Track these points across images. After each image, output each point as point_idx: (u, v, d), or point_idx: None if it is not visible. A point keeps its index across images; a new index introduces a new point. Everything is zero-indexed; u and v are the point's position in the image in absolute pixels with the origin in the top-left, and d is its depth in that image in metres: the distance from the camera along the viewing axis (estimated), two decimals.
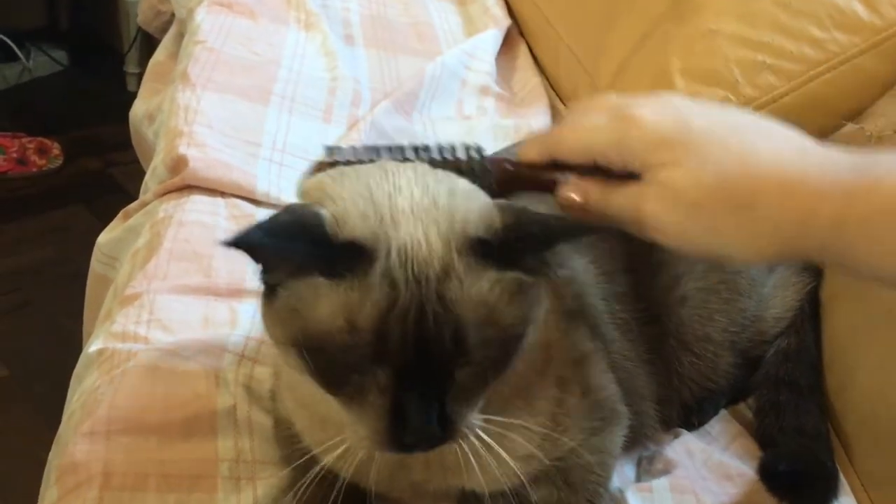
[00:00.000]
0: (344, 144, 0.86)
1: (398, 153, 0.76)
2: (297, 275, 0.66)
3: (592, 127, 0.71)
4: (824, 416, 1.00)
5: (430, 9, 1.88)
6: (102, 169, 2.71)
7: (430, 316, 0.64)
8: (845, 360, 1.02)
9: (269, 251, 0.67)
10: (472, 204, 0.69)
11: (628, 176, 0.69)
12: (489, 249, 0.66)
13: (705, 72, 1.29)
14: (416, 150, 0.76)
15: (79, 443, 0.86)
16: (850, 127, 1.18)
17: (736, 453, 0.99)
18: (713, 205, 0.66)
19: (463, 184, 0.72)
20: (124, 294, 1.07)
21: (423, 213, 0.66)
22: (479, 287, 0.65)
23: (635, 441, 0.93)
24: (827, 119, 1.21)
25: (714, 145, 0.67)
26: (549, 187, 0.74)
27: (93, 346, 1.01)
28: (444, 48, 1.72)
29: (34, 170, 2.66)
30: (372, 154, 0.77)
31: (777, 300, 1.05)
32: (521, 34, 1.84)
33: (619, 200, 0.70)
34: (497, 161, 0.77)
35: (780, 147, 0.67)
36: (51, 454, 0.93)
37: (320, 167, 0.77)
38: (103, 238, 1.32)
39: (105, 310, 1.13)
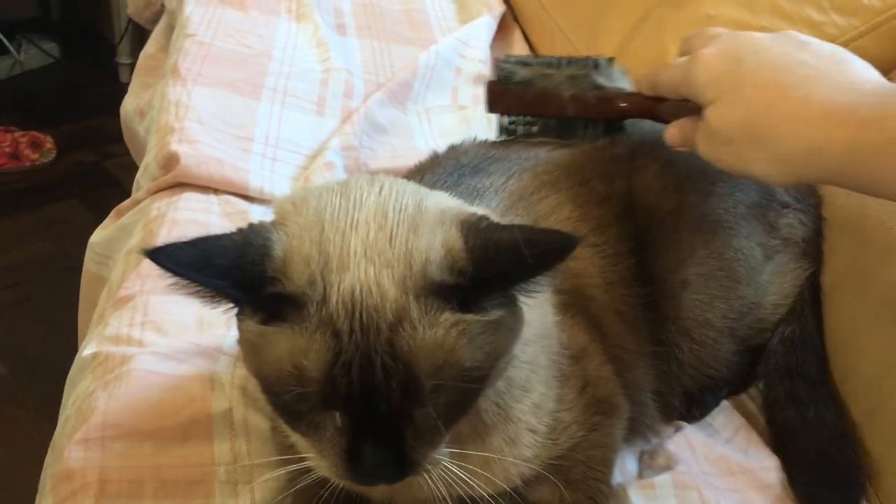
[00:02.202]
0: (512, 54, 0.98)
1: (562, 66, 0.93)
2: (244, 312, 0.65)
3: (675, 67, 0.84)
4: (839, 407, 0.99)
5: None
6: (97, 161, 2.70)
7: (378, 366, 0.62)
8: (848, 349, 1.01)
9: (190, 281, 0.63)
10: (435, 238, 0.65)
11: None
12: (451, 292, 0.63)
13: None
14: (551, 63, 0.94)
15: (73, 450, 0.85)
16: None
17: (738, 446, 0.98)
18: (739, 140, 0.78)
19: (433, 206, 0.68)
20: (118, 296, 1.06)
21: (377, 255, 0.63)
22: (436, 332, 0.62)
23: (636, 433, 0.93)
24: None
25: (750, 85, 0.77)
26: (656, 115, 0.89)
27: (87, 350, 1.00)
28: (437, 36, 1.70)
29: (27, 164, 2.64)
30: (520, 66, 0.93)
31: (775, 286, 1.04)
32: (516, 20, 1.82)
33: (693, 134, 0.83)
34: (603, 92, 0.91)
35: (815, 83, 0.75)
36: (46, 461, 0.92)
37: (491, 87, 0.95)
38: (96, 237, 1.31)
39: (99, 312, 1.12)
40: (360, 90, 1.49)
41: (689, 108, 0.84)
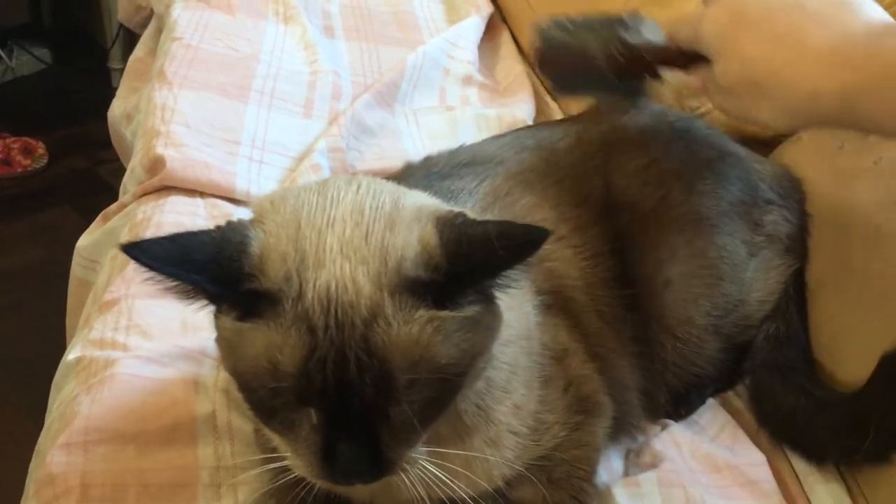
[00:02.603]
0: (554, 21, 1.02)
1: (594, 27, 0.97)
2: (221, 309, 0.65)
3: (689, 22, 0.88)
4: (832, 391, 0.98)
5: None
6: (89, 167, 2.69)
7: (353, 362, 0.62)
8: (834, 345, 1.01)
9: (166, 276, 0.63)
10: (411, 235, 0.65)
11: None
12: (425, 288, 0.63)
13: None
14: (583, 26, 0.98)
15: (56, 454, 0.85)
16: None
17: (724, 443, 0.98)
18: (742, 91, 0.82)
19: (410, 204, 0.68)
20: (103, 300, 1.06)
21: (352, 252, 0.64)
22: (411, 329, 0.63)
23: (621, 431, 0.93)
24: None
25: (747, 38, 0.81)
26: (684, 67, 0.92)
27: (71, 354, 1.00)
28: (425, 37, 1.69)
29: (19, 170, 2.64)
30: (558, 30, 0.99)
31: (760, 283, 1.04)
32: (504, 20, 1.82)
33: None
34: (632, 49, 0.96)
35: (810, 29, 0.78)
36: (31, 466, 0.92)
37: (536, 53, 1.01)
38: (83, 241, 1.31)
39: (84, 316, 1.11)
40: (347, 92, 1.49)
41: (707, 59, 0.87)
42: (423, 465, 0.68)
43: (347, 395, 0.62)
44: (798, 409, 0.96)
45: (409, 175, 1.02)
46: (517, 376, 0.77)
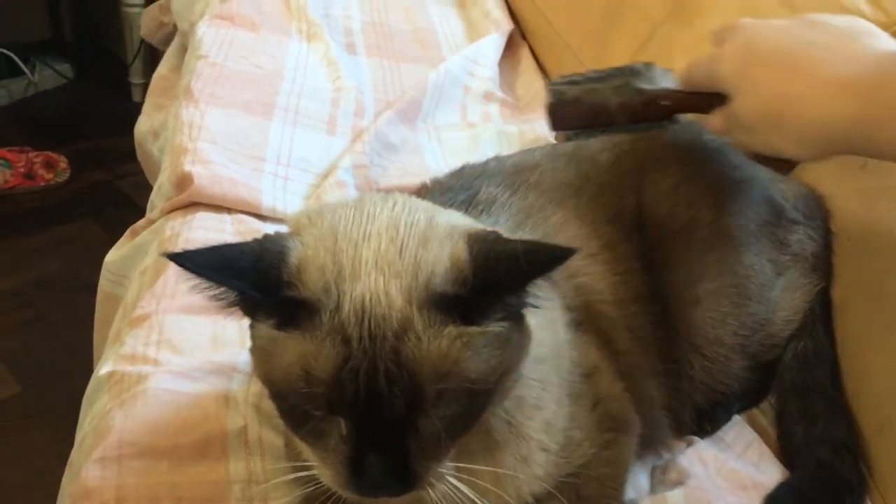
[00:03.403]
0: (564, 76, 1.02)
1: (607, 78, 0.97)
2: (258, 318, 0.67)
3: (699, 62, 0.90)
4: (852, 424, 0.99)
5: (431, 14, 1.87)
6: (110, 181, 2.72)
7: (382, 373, 0.63)
8: (860, 363, 1.01)
9: (211, 281, 0.65)
10: (443, 251, 0.66)
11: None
12: (453, 303, 0.65)
13: None
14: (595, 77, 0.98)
15: (91, 469, 0.86)
16: None
17: (750, 460, 0.98)
18: (760, 126, 0.84)
19: (443, 222, 0.70)
20: (133, 315, 1.07)
21: (386, 266, 0.65)
22: (440, 343, 0.64)
23: (648, 448, 0.93)
24: None
25: (761, 75, 0.83)
26: (699, 110, 0.93)
27: (103, 369, 1.01)
28: (446, 54, 1.71)
29: (42, 184, 2.67)
30: (568, 86, 0.98)
31: (786, 302, 1.04)
32: (524, 37, 1.83)
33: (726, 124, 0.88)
34: (647, 95, 0.96)
35: (821, 62, 0.80)
36: (63, 480, 0.93)
37: (550, 110, 0.98)
38: (111, 256, 1.32)
39: (114, 331, 1.13)
40: (370, 109, 1.51)
41: (725, 98, 0.88)
42: (450, 480, 0.69)
43: (377, 405, 0.64)
44: (795, 438, 0.97)
45: (442, 186, 1.03)
46: (548, 393, 0.78)
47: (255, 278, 0.66)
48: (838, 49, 0.81)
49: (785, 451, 0.99)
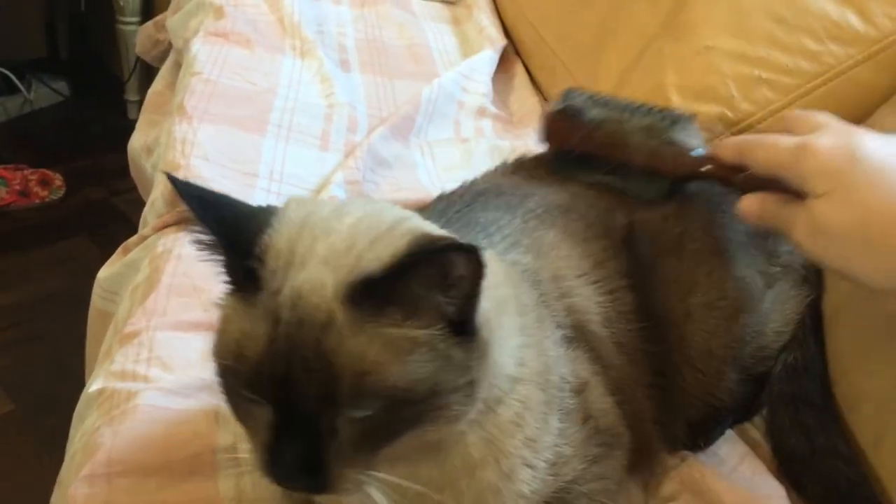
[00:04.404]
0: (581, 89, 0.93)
1: (638, 113, 0.89)
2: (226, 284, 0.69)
3: (783, 147, 0.82)
4: (846, 434, 0.98)
5: (425, 30, 1.88)
6: (105, 198, 2.72)
7: (301, 361, 0.64)
8: (852, 376, 1.01)
9: (192, 212, 0.68)
10: (386, 251, 0.66)
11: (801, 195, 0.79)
12: (377, 301, 0.64)
13: (702, 88, 1.28)
14: (626, 108, 0.89)
15: (79, 486, 0.85)
16: None
17: (744, 475, 0.98)
18: (847, 241, 0.76)
19: (407, 228, 0.69)
20: (124, 332, 1.07)
21: (332, 260, 0.66)
22: (360, 341, 0.64)
23: (640, 463, 0.93)
24: None
25: (866, 185, 0.75)
26: (730, 182, 0.87)
27: (93, 386, 1.00)
28: (440, 70, 1.72)
29: (37, 201, 2.67)
30: (592, 103, 0.90)
31: (777, 314, 1.04)
32: (518, 53, 1.84)
33: (783, 216, 0.82)
34: (678, 149, 0.88)
35: None
36: (53, 498, 0.92)
37: (554, 118, 0.91)
38: (103, 273, 1.32)
39: (105, 347, 1.12)
40: (363, 125, 1.51)
41: (777, 187, 0.82)
42: (370, 491, 0.68)
43: (293, 393, 0.64)
44: (796, 450, 0.97)
45: (441, 205, 1.02)
46: (531, 411, 0.77)
47: (231, 233, 0.68)
48: None
49: (785, 464, 0.98)
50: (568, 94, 0.93)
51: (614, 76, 1.44)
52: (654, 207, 1.00)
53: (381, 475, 0.68)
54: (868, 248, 0.75)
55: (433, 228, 0.73)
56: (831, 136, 0.80)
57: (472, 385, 0.68)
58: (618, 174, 0.94)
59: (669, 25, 1.37)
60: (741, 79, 1.26)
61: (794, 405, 1.00)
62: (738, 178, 0.87)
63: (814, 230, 0.79)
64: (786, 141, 0.82)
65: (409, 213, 0.74)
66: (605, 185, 1.01)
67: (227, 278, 0.70)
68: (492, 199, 0.99)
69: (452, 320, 0.67)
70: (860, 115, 1.22)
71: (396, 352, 0.65)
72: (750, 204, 0.86)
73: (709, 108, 1.26)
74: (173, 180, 0.70)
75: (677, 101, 1.29)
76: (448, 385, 0.66)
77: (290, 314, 0.64)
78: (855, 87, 1.23)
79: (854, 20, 1.23)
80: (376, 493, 0.68)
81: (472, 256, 0.64)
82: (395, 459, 0.70)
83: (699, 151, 0.89)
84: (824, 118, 0.84)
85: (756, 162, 0.85)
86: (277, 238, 0.68)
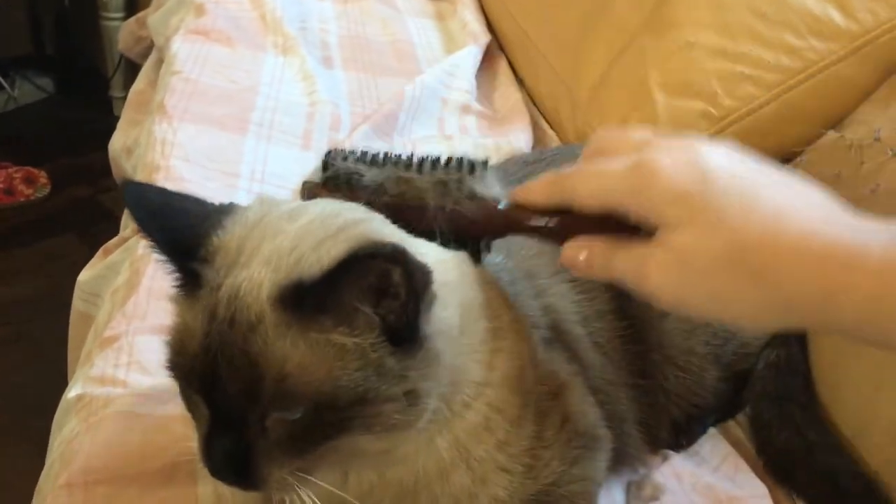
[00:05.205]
0: (345, 147, 0.76)
1: (392, 164, 0.72)
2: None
3: (612, 173, 0.65)
4: (831, 430, 0.98)
5: (408, 26, 1.87)
6: (91, 196, 2.70)
7: (228, 359, 0.65)
8: (833, 376, 1.01)
9: (135, 220, 0.70)
10: (328, 255, 0.65)
11: (637, 232, 0.64)
12: (304, 305, 0.64)
13: (684, 84, 1.28)
14: (409, 164, 0.72)
15: (57, 495, 0.85)
16: (830, 135, 1.17)
17: (726, 474, 0.98)
18: (721, 273, 0.61)
19: (359, 232, 0.67)
20: (104, 336, 1.06)
21: (274, 261, 0.66)
22: (284, 343, 0.64)
23: (621, 464, 0.92)
24: (807, 128, 1.21)
25: (733, 206, 0.61)
26: (546, 234, 0.69)
27: (72, 392, 1.00)
28: (423, 66, 1.71)
29: (22, 199, 2.65)
30: (365, 165, 0.73)
31: None
32: (501, 49, 1.83)
33: (623, 261, 0.65)
34: (484, 202, 0.70)
35: (808, 213, 0.61)
36: None
37: (317, 193, 0.74)
38: (84, 276, 1.32)
39: (85, 352, 1.12)
40: (346, 123, 1.51)
41: (609, 225, 0.66)
42: (302, 495, 0.68)
43: (220, 389, 0.65)
44: (788, 446, 0.96)
45: None
46: (502, 414, 0.76)
47: (176, 237, 0.69)
48: (813, 200, 0.62)
49: (774, 461, 0.98)
50: (328, 158, 0.74)
51: (597, 72, 1.43)
52: None
53: (312, 480, 0.68)
54: (745, 281, 0.60)
55: (389, 234, 0.70)
56: (667, 153, 0.64)
57: (413, 395, 0.67)
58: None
59: (652, 21, 1.36)
60: (724, 75, 1.25)
61: (779, 402, 1.01)
62: (551, 223, 0.69)
63: (678, 265, 0.62)
64: (613, 166, 0.65)
65: (372, 216, 0.72)
66: None
67: (176, 279, 0.71)
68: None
69: (392, 328, 0.66)
70: (842, 110, 1.22)
71: (321, 358, 0.64)
72: (574, 254, 0.67)
73: (692, 105, 1.26)
74: (124, 189, 0.71)
75: (660, 98, 1.29)
76: (380, 394, 0.65)
77: (225, 312, 0.65)
78: (837, 82, 1.22)
79: (835, 15, 1.22)
80: (305, 497, 0.68)
81: (408, 265, 0.63)
82: (334, 465, 0.70)
83: (504, 203, 0.71)
84: (643, 132, 0.68)
85: (580, 198, 0.66)
86: (228, 237, 0.68)
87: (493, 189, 0.72)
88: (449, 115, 1.57)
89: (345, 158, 0.74)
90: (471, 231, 0.72)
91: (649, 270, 0.63)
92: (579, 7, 1.57)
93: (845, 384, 1.00)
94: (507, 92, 1.69)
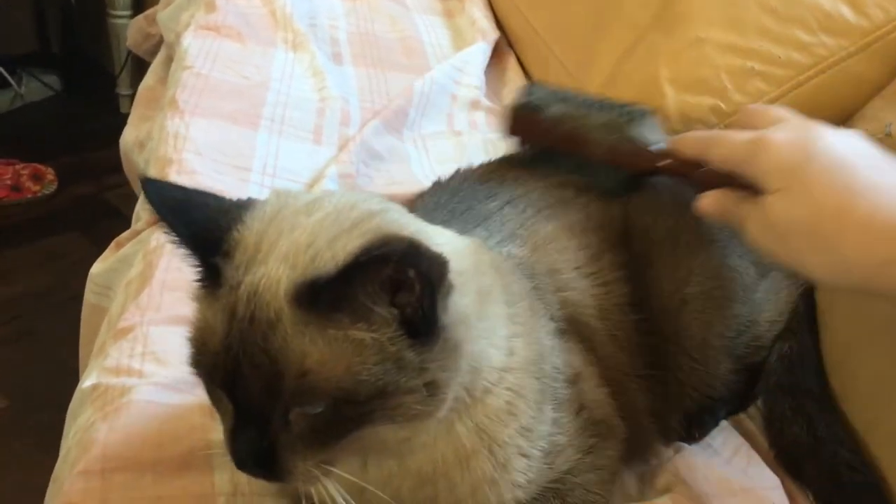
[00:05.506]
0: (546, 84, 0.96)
1: (600, 109, 0.91)
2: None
3: (738, 142, 0.80)
4: (843, 423, 0.99)
5: (417, 23, 1.88)
6: (97, 193, 2.71)
7: (249, 357, 0.65)
8: (845, 369, 1.01)
9: (159, 216, 0.70)
10: (343, 250, 0.65)
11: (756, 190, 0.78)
12: (320, 301, 0.65)
13: (694, 80, 1.28)
14: (591, 104, 0.91)
15: (75, 482, 0.85)
16: None
17: (739, 466, 0.98)
18: (799, 236, 0.75)
19: (375, 225, 0.69)
20: (118, 327, 1.07)
21: (291, 257, 0.66)
22: (302, 341, 0.65)
23: (635, 455, 0.93)
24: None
25: (820, 182, 0.74)
26: (689, 178, 0.86)
27: (87, 382, 1.00)
28: (432, 63, 1.72)
29: (29, 196, 2.66)
30: (563, 102, 0.91)
31: (770, 304, 1.05)
32: (510, 45, 1.84)
33: (738, 213, 0.81)
34: (636, 143, 0.89)
35: (888, 195, 0.71)
36: (48, 495, 0.92)
37: (517, 113, 0.93)
38: (96, 268, 1.32)
39: (99, 343, 1.12)
40: (356, 118, 1.51)
41: (735, 182, 0.81)
42: (325, 484, 0.69)
43: (243, 386, 0.66)
44: (798, 439, 0.97)
45: (442, 194, 1.02)
46: (524, 399, 0.77)
47: (200, 232, 0.69)
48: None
49: (785, 453, 0.98)
50: (530, 88, 0.95)
51: (607, 68, 1.43)
52: (647, 200, 1.00)
53: (335, 471, 0.69)
54: (819, 247, 0.73)
55: (405, 225, 0.72)
56: (788, 130, 0.78)
57: (433, 385, 0.68)
58: (583, 169, 0.95)
59: (662, 17, 1.37)
60: (734, 70, 1.25)
61: (792, 395, 1.01)
62: (696, 173, 0.86)
63: (765, 226, 0.78)
64: (742, 136, 0.80)
65: (388, 206, 0.73)
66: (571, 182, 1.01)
67: (198, 274, 0.71)
68: (496, 189, 0.98)
69: (410, 321, 0.66)
70: (852, 106, 1.22)
71: (340, 353, 0.65)
72: (708, 201, 0.84)
73: (702, 100, 1.26)
74: (144, 185, 0.71)
75: (671, 94, 1.29)
76: (400, 386, 0.66)
77: (245, 310, 0.66)
78: (847, 78, 1.23)
79: (846, 11, 1.23)
80: (331, 487, 0.69)
81: (421, 259, 0.64)
82: (355, 454, 0.71)
83: (659, 146, 0.89)
84: (783, 112, 0.83)
85: (713, 158, 0.83)
86: (247, 233, 0.69)
87: (651, 135, 0.90)
88: (458, 111, 1.58)
89: (542, 91, 0.93)
90: (620, 165, 0.91)
91: (750, 225, 0.79)
92: (589, 3, 1.57)
93: (857, 378, 1.00)
94: (517, 88, 1.69)
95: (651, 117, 0.93)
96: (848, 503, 0.93)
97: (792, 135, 0.77)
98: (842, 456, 0.95)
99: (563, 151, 0.93)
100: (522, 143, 1.00)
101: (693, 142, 0.87)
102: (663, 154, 0.89)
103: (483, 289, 0.74)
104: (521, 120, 0.96)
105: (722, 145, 0.82)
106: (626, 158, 0.91)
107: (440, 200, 0.98)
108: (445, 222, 0.83)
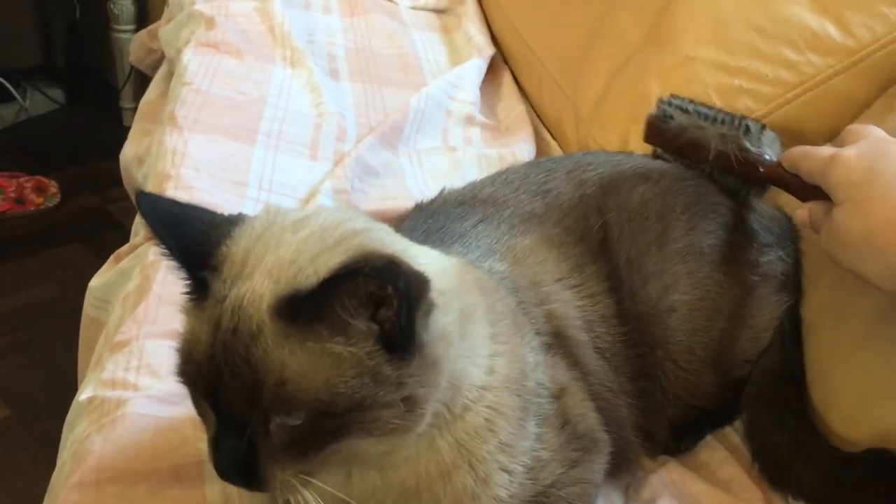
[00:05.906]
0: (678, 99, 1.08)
1: (717, 121, 1.04)
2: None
3: (821, 158, 0.89)
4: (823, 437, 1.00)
5: (414, 40, 1.90)
6: (100, 206, 2.74)
7: (231, 367, 0.68)
8: (827, 381, 1.03)
9: (150, 229, 0.73)
10: (324, 266, 0.67)
11: None
12: (300, 315, 0.67)
13: (684, 97, 1.30)
14: (714, 118, 1.04)
15: (69, 493, 0.87)
16: None
17: (722, 480, 1.00)
18: (856, 245, 0.83)
19: (358, 243, 0.71)
20: (114, 340, 1.09)
21: (276, 272, 0.69)
22: (282, 353, 0.67)
23: (619, 467, 0.94)
24: (804, 141, 1.21)
25: (877, 198, 0.82)
26: (792, 190, 0.98)
27: (83, 394, 1.02)
28: (429, 79, 1.73)
29: (32, 208, 2.68)
30: (690, 113, 1.05)
31: (755, 320, 1.06)
32: (506, 62, 1.86)
33: (820, 223, 0.89)
34: (749, 154, 1.02)
35: None
36: None
37: (651, 122, 1.07)
38: (95, 282, 1.34)
39: (96, 356, 1.14)
40: (352, 133, 1.53)
41: (822, 194, 0.89)
42: (302, 493, 0.71)
43: (224, 396, 0.69)
44: (780, 448, 0.98)
45: (420, 216, 1.04)
46: (504, 416, 0.78)
47: (190, 246, 0.72)
48: None
49: (767, 462, 0.99)
50: (665, 101, 1.08)
51: (600, 85, 1.45)
52: (629, 210, 1.02)
53: (314, 482, 0.71)
54: (874, 255, 0.81)
55: (389, 243, 0.74)
56: (861, 147, 0.86)
57: (411, 400, 0.69)
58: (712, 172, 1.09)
59: (653, 36, 1.39)
60: (723, 88, 1.27)
61: (774, 408, 1.02)
62: (794, 185, 0.96)
63: (831, 235, 0.86)
64: (826, 152, 0.89)
65: (373, 226, 0.76)
66: (576, 189, 1.05)
67: (187, 287, 0.74)
68: (469, 210, 1.01)
69: (388, 337, 0.68)
70: (839, 123, 1.23)
71: (319, 366, 0.67)
72: (801, 212, 0.93)
73: None
74: (139, 199, 0.74)
75: None
76: (378, 400, 0.68)
77: (229, 322, 0.68)
78: (834, 96, 1.25)
79: (833, 31, 1.25)
80: (309, 498, 0.71)
81: (399, 277, 0.65)
82: (337, 466, 0.73)
83: (770, 157, 1.02)
84: (869, 130, 0.90)
85: (803, 171, 0.93)
86: (235, 248, 0.71)
87: (761, 148, 1.02)
88: (453, 127, 1.60)
89: (672, 104, 1.07)
90: (733, 171, 1.03)
91: (822, 234, 0.88)
92: (582, 22, 1.60)
93: (838, 392, 1.01)
94: (511, 104, 1.71)
95: (767, 131, 1.04)
96: (838, 499, 0.93)
97: (863, 151, 0.85)
98: (828, 456, 0.96)
99: (687, 157, 1.07)
100: (655, 149, 1.13)
101: (789, 156, 0.96)
102: (772, 165, 1.01)
103: (466, 308, 0.76)
104: (653, 129, 1.09)
105: (810, 160, 0.91)
106: (739, 167, 1.02)
107: (416, 223, 1.00)
108: (421, 242, 0.84)
